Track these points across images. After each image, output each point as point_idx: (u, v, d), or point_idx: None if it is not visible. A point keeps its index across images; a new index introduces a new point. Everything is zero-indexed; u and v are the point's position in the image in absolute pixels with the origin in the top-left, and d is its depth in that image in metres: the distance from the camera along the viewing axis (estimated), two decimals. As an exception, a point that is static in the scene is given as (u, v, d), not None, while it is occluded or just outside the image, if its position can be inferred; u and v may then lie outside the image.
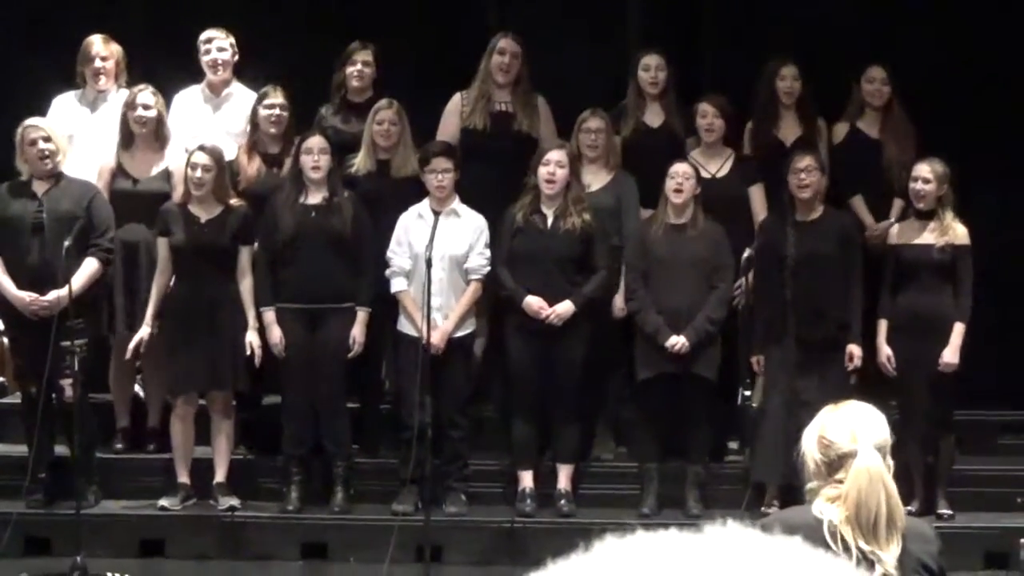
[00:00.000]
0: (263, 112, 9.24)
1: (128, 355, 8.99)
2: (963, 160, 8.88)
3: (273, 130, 9.26)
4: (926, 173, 8.71)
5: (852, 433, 3.84)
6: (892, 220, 9.21)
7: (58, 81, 9.60)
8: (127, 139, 9.19)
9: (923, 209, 8.75)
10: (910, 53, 9.70)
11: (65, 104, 9.49)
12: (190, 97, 9.62)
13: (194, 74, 9.63)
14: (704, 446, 8.95)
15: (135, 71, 9.54)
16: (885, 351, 8.75)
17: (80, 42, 9.54)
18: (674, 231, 8.85)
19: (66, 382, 8.62)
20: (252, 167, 9.25)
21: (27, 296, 8.71)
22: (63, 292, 8.48)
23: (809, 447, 3.89)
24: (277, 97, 9.25)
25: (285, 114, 9.25)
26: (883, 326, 8.79)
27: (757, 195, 9.25)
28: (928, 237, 8.72)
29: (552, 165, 8.77)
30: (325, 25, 10.38)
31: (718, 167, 9.22)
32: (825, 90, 9.52)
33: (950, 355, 8.64)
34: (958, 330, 8.64)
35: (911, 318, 8.70)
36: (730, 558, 1.48)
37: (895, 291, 8.80)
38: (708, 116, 9.22)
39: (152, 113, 9.14)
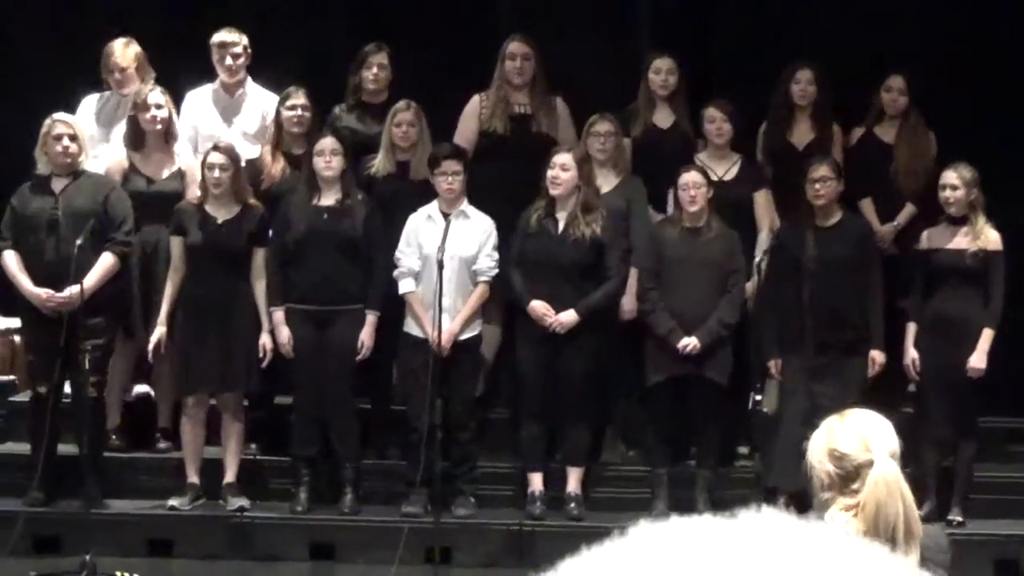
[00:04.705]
0: (286, 113, 9.26)
1: (149, 357, 9.00)
2: (992, 166, 8.86)
3: (296, 130, 9.27)
4: (953, 180, 8.69)
5: (865, 442, 3.79)
6: (897, 223, 9.22)
7: (79, 76, 9.59)
8: (138, 140, 9.18)
9: (955, 215, 8.73)
10: (932, 58, 9.69)
11: (89, 105, 9.49)
12: (203, 97, 9.62)
13: (206, 72, 9.62)
14: (714, 450, 8.95)
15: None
16: (912, 354, 8.73)
17: (101, 38, 9.53)
18: (688, 234, 8.85)
19: (81, 380, 8.64)
20: (276, 167, 9.27)
21: (43, 292, 8.72)
22: (77, 288, 8.50)
23: (819, 460, 3.84)
24: (299, 98, 9.26)
25: (308, 115, 9.26)
26: (911, 329, 8.77)
27: (762, 199, 9.26)
28: (961, 242, 8.70)
29: (556, 168, 8.76)
30: (337, 25, 10.38)
31: (725, 170, 9.22)
32: (840, 95, 9.50)
33: (977, 360, 8.62)
34: (987, 335, 8.62)
35: (939, 322, 8.68)
36: (768, 544, 1.48)
37: (927, 296, 8.77)
38: (716, 121, 9.21)
39: (164, 113, 9.15)
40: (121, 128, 9.37)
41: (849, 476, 3.77)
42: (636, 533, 1.52)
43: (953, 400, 8.65)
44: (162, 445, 9.33)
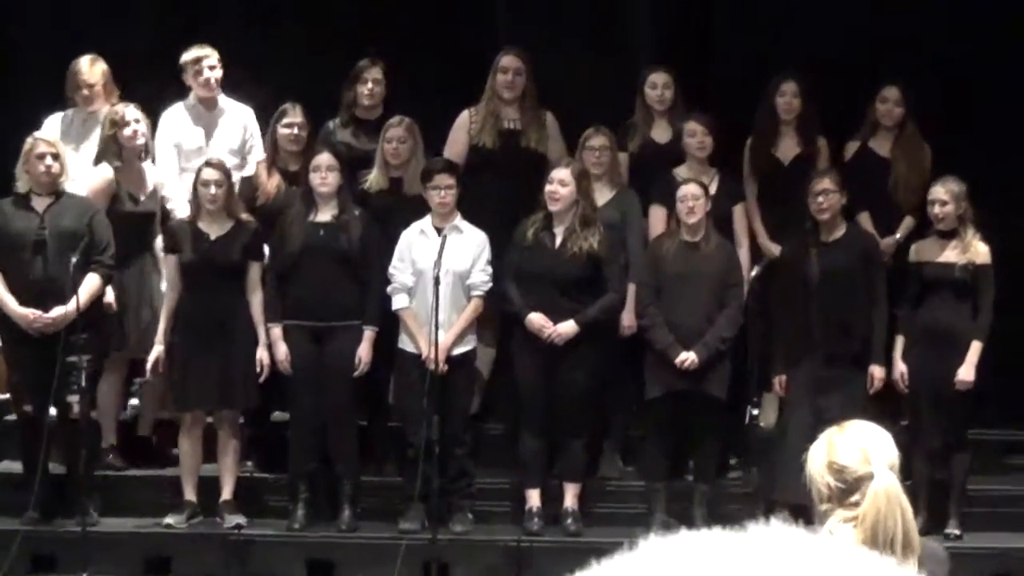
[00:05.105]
0: (282, 131, 9.26)
1: (148, 374, 9.00)
2: (981, 178, 8.89)
3: (292, 148, 9.27)
4: (942, 195, 8.73)
5: (864, 454, 3.77)
6: (898, 236, 9.23)
7: (48, 95, 9.56)
8: (115, 158, 9.13)
9: (944, 230, 8.76)
10: (927, 71, 9.70)
11: (53, 123, 9.40)
12: (181, 114, 9.57)
13: (176, 91, 9.58)
14: (713, 464, 8.94)
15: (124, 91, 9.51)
16: (900, 367, 8.75)
17: (50, 55, 9.52)
18: (687, 248, 8.85)
19: (72, 398, 8.62)
20: (272, 184, 9.28)
21: (30, 313, 8.69)
22: (69, 308, 8.50)
23: (818, 472, 3.83)
24: (296, 116, 9.26)
25: (304, 133, 9.26)
26: (900, 342, 8.80)
27: (739, 214, 9.27)
28: (950, 255, 8.74)
29: (555, 183, 8.76)
30: (331, 39, 10.39)
31: (707, 185, 9.17)
32: (838, 108, 9.51)
33: (965, 372, 8.65)
34: (975, 348, 8.66)
35: (928, 335, 8.71)
36: (778, 557, 1.48)
37: (916, 308, 8.80)
38: (698, 135, 9.20)
39: (143, 128, 9.15)
40: (90, 146, 9.32)
41: (849, 488, 3.76)
42: (646, 546, 1.53)
43: (943, 412, 8.68)
44: (117, 463, 9.27)
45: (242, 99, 9.65)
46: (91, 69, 9.40)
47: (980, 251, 8.72)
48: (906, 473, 3.89)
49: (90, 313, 8.72)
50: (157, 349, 8.86)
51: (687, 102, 9.49)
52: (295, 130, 9.26)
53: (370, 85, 9.46)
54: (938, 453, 8.68)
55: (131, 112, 9.13)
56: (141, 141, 9.14)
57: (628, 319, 9.03)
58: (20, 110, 9.85)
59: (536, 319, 8.73)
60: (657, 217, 9.18)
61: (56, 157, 8.81)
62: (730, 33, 10.46)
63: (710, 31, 10.59)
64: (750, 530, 1.53)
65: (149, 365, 8.90)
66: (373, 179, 9.22)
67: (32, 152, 8.80)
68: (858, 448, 3.78)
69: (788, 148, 9.45)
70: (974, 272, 8.70)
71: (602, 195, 9.12)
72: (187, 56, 9.49)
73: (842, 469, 3.77)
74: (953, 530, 8.63)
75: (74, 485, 8.75)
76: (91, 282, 8.78)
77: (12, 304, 8.73)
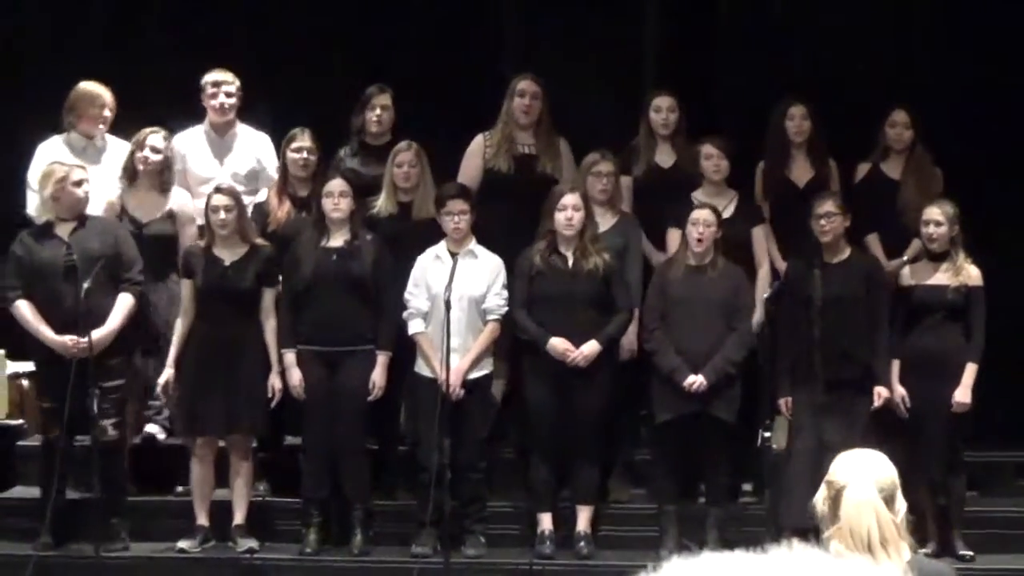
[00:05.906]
0: (291, 156, 9.29)
1: (160, 397, 9.03)
2: (986, 200, 8.92)
3: (301, 174, 9.30)
4: (937, 216, 8.76)
5: (850, 470, 3.96)
6: (905, 258, 9.24)
7: (34, 122, 9.59)
8: (131, 179, 9.19)
9: (937, 251, 8.79)
10: (935, 94, 9.73)
11: (54, 149, 9.38)
12: (192, 138, 9.61)
13: (192, 114, 9.62)
14: (723, 488, 8.94)
15: (139, 112, 9.54)
16: (899, 391, 8.76)
17: (56, 82, 9.54)
18: (694, 272, 8.86)
19: (107, 422, 8.66)
20: (282, 210, 9.30)
21: (69, 340, 8.69)
22: (103, 332, 8.62)
23: (820, 493, 4.01)
24: (305, 141, 9.29)
25: (313, 158, 9.29)
26: (895, 366, 8.80)
27: (759, 236, 9.28)
28: (942, 278, 8.77)
29: (569, 210, 8.77)
30: (340, 66, 10.43)
31: (723, 207, 9.17)
32: (846, 130, 9.53)
33: (962, 395, 8.66)
34: (970, 370, 8.67)
35: (923, 358, 8.72)
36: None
37: (907, 331, 8.82)
38: (713, 158, 9.22)
39: (159, 157, 9.17)
40: (100, 169, 9.32)
41: (835, 504, 3.92)
42: (670, 567, 1.55)
43: (940, 436, 8.67)
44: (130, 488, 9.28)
45: (258, 127, 9.69)
46: (109, 95, 9.44)
47: (972, 274, 8.75)
48: (910, 500, 4.01)
49: (121, 335, 8.77)
50: (167, 372, 8.89)
51: (692, 126, 9.50)
52: (304, 154, 9.28)
53: (378, 112, 9.49)
54: (938, 477, 8.67)
55: (153, 138, 9.18)
56: (150, 168, 9.16)
57: (628, 343, 9.03)
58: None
59: (559, 344, 8.71)
60: (674, 240, 9.16)
61: (87, 182, 8.85)
62: (734, 56, 10.47)
63: (714, 54, 10.61)
64: (769, 552, 1.57)
65: (159, 388, 8.93)
66: (382, 204, 9.24)
67: (68, 180, 8.80)
68: (847, 465, 3.96)
69: (802, 171, 9.46)
70: (966, 294, 8.72)
71: (604, 221, 9.12)
72: (207, 78, 9.54)
73: (830, 484, 3.95)
74: (966, 552, 8.62)
75: (109, 510, 8.77)
76: (124, 302, 8.83)
77: (48, 333, 8.75)
